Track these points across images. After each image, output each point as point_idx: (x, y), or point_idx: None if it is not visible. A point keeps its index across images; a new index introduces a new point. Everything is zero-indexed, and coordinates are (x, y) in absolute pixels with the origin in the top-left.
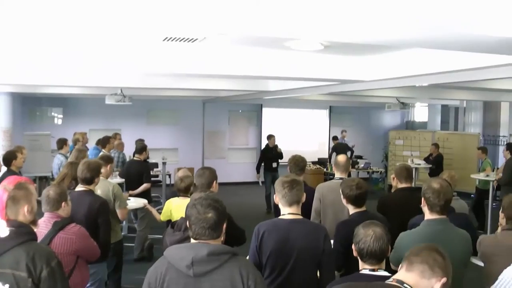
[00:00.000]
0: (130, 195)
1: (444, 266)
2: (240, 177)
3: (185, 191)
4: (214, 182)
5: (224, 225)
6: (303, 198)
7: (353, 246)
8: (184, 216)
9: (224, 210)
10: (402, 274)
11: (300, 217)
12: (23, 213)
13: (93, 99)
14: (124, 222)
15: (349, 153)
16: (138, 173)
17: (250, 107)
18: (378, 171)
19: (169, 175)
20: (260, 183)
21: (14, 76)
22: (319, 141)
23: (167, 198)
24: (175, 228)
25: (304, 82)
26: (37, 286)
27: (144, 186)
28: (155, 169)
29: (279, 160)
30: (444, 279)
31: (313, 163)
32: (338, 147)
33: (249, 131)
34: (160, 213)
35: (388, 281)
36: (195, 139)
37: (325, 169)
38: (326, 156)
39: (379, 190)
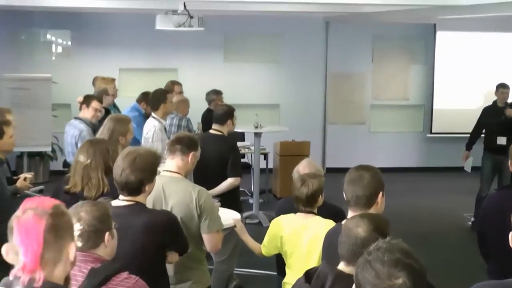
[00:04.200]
0: None
1: None
2: (392, 159)
3: (308, 202)
4: (380, 194)
5: None
6: None
7: None
8: (310, 250)
9: (422, 268)
10: None
11: None
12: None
13: (125, 17)
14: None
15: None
16: (218, 158)
17: (412, 30)
18: None
19: (265, 155)
20: (467, 169)
21: None
22: None
23: (262, 196)
24: (313, 283)
25: None
26: None
27: (229, 182)
28: (239, 144)
29: None
30: None
31: None
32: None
33: (409, 73)
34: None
35: None
36: (311, 88)
37: None
38: None
39: None
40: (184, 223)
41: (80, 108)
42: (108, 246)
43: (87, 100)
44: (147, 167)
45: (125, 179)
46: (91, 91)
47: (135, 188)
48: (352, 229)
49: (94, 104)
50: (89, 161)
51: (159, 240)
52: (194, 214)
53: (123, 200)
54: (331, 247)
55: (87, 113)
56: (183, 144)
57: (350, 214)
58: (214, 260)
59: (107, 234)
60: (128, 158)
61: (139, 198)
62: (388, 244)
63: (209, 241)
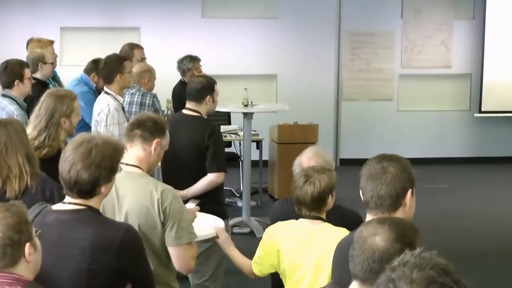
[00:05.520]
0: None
1: None
2: (428, 147)
3: (314, 205)
4: (409, 193)
5: None
6: None
7: None
8: (317, 268)
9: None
10: None
11: None
12: None
13: None
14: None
15: None
16: (194, 147)
17: None
18: None
19: (258, 143)
20: None
21: None
22: None
23: (255, 198)
24: None
25: None
26: None
27: (210, 179)
28: (223, 128)
29: None
30: None
31: None
32: None
33: (452, 32)
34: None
35: None
36: (319, 52)
37: None
38: None
39: None
40: (143, 234)
41: (9, 86)
42: (30, 261)
43: (11, 70)
44: (106, 163)
45: (75, 177)
46: (24, 57)
47: (88, 189)
48: (367, 238)
49: (27, 73)
50: (3, 144)
51: (115, 264)
52: (157, 222)
53: (70, 203)
54: (342, 262)
55: (23, 87)
56: (144, 128)
57: (368, 219)
58: (192, 282)
59: (27, 246)
60: (81, 149)
61: (92, 202)
62: (418, 257)
63: (178, 257)
